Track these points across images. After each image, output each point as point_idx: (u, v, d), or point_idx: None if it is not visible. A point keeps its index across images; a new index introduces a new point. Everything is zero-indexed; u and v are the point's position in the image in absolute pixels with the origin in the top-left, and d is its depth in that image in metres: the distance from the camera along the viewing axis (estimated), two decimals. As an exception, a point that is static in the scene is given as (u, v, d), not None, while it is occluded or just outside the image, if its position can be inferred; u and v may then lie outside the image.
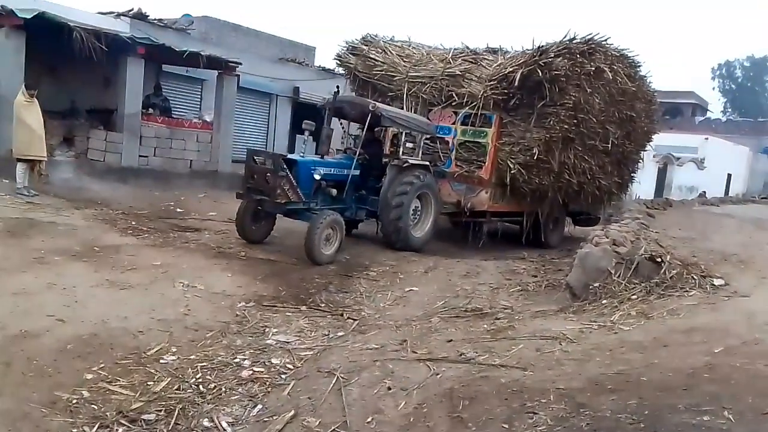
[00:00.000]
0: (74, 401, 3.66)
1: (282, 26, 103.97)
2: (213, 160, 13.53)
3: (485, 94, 9.50)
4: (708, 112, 45.46)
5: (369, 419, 3.55)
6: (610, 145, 10.43)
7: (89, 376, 3.96)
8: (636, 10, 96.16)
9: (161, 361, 4.35)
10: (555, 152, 9.49)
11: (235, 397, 3.98)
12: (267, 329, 5.23)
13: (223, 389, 4.06)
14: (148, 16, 14.13)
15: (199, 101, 15.04)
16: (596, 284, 5.36)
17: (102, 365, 4.12)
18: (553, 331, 4.60)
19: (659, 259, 5.33)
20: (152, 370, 4.18)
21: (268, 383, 4.20)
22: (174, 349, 4.56)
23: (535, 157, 9.33)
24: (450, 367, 4.14)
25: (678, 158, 27.91)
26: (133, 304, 5.27)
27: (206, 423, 3.65)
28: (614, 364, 3.77)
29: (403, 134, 9.22)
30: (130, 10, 13.97)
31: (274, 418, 3.67)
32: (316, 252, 7.46)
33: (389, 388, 3.89)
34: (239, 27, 16.74)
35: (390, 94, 10.68)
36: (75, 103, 12.82)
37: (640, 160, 12.54)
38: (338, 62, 11.72)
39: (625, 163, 11.69)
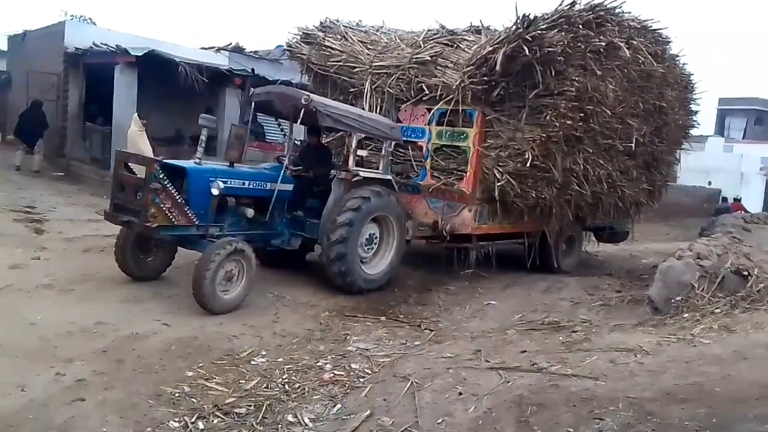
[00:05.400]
0: (176, 395, 4.08)
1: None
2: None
3: (462, 84, 7.31)
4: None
5: (439, 421, 3.71)
6: (633, 145, 8.42)
7: (189, 374, 4.39)
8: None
9: (252, 362, 4.74)
10: (556, 156, 7.39)
11: (317, 396, 4.27)
12: (348, 337, 5.54)
13: (306, 389, 4.36)
14: (244, 49, 15.20)
15: (290, 126, 15.88)
16: (678, 298, 5.24)
17: (201, 364, 4.55)
18: (630, 344, 4.56)
19: (746, 273, 5.14)
20: (244, 370, 4.57)
21: (347, 385, 4.46)
22: (264, 352, 4.95)
23: (528, 164, 7.17)
24: (522, 376, 4.23)
25: (789, 170, 25.92)
26: (228, 311, 5.76)
27: (290, 418, 3.95)
28: (689, 376, 3.73)
29: (354, 139, 7.34)
30: (229, 44, 15.10)
31: (352, 416, 3.92)
32: (207, 296, 5.48)
33: (460, 394, 4.04)
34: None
35: (352, 89, 8.56)
36: (180, 131, 13.97)
37: (676, 162, 10.46)
38: (289, 53, 9.67)
39: (655, 166, 9.61)
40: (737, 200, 19.45)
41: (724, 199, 20.42)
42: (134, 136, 10.13)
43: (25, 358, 4.30)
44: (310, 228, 6.86)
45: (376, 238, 7.14)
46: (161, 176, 5.57)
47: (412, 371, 4.56)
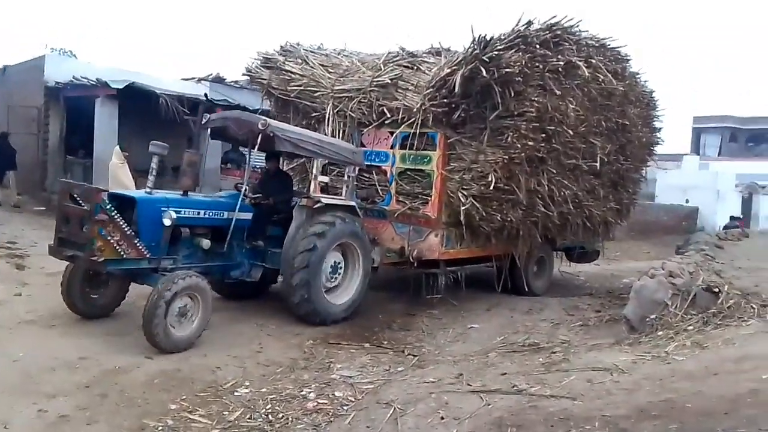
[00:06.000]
0: (160, 428, 4.10)
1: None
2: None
3: (423, 107, 7.26)
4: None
5: (421, 445, 3.78)
6: (598, 163, 8.41)
7: (173, 406, 4.41)
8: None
9: (235, 393, 4.77)
10: (519, 178, 7.32)
11: (301, 426, 4.30)
12: (332, 365, 5.58)
13: (290, 419, 4.39)
14: (225, 79, 15.37)
15: (249, 152, 16.04)
16: (653, 316, 5.38)
17: (184, 397, 4.58)
18: (606, 363, 4.66)
19: (716, 290, 5.30)
20: (227, 402, 4.60)
21: (330, 414, 4.50)
22: (247, 383, 4.98)
23: (491, 186, 7.09)
24: (502, 398, 4.31)
25: (764, 187, 26.56)
26: (211, 342, 5.78)
27: (274, 448, 4.00)
28: (663, 392, 3.84)
29: (315, 164, 7.25)
30: (209, 75, 15.24)
31: (335, 444, 3.97)
32: (158, 334, 5.20)
33: (442, 418, 4.10)
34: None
35: (314, 114, 8.46)
36: (162, 162, 14.00)
37: (642, 179, 10.52)
38: (249, 77, 9.53)
39: (622, 184, 9.65)
40: (740, 218, 20.91)
41: (732, 218, 21.21)
42: (115, 168, 10.20)
43: (7, 395, 4.31)
44: (272, 257, 6.63)
45: (340, 266, 6.92)
46: (108, 207, 5.31)
47: (395, 397, 4.62)
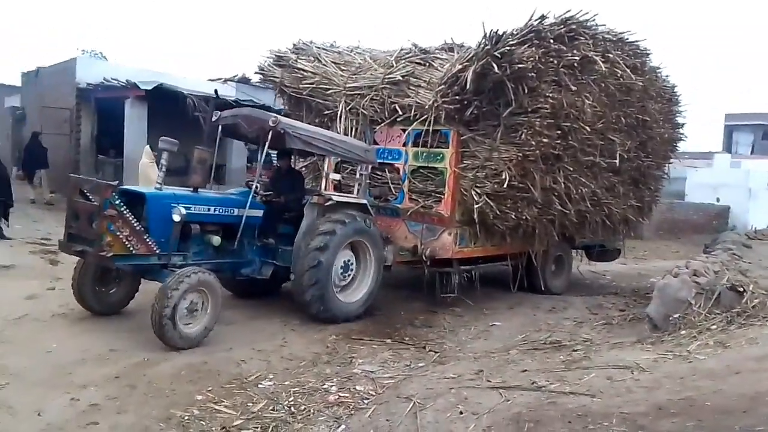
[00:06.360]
0: (186, 418, 4.22)
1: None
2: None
3: (435, 104, 7.14)
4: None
5: (440, 439, 3.83)
6: (617, 161, 8.28)
7: (199, 397, 4.54)
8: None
9: (259, 385, 4.88)
10: (534, 175, 7.21)
11: (322, 418, 4.39)
12: (354, 360, 5.65)
13: (312, 411, 4.48)
14: (250, 80, 15.59)
15: (260, 150, 16.25)
16: (676, 315, 5.34)
17: (210, 388, 4.70)
18: (627, 361, 4.65)
19: (741, 289, 5.24)
20: (251, 394, 4.71)
21: (351, 407, 4.57)
22: (271, 376, 5.09)
23: (505, 184, 6.99)
24: (521, 395, 4.33)
25: (798, 185, 25.83)
26: (236, 337, 5.92)
27: (296, 439, 4.09)
28: (683, 391, 3.83)
29: (327, 162, 7.16)
30: (235, 76, 15.48)
31: (356, 436, 4.05)
32: (167, 331, 5.23)
33: (461, 413, 4.14)
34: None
35: (326, 112, 8.41)
36: (190, 161, 14.29)
37: (665, 176, 10.23)
38: (261, 76, 9.46)
39: (643, 181, 9.43)
40: None
41: None
42: (145, 167, 10.42)
43: (41, 385, 4.49)
44: (283, 255, 6.58)
45: (352, 265, 6.87)
46: (117, 202, 5.31)
47: (415, 392, 4.67)
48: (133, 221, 5.41)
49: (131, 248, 5.41)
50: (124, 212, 5.36)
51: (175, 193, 5.99)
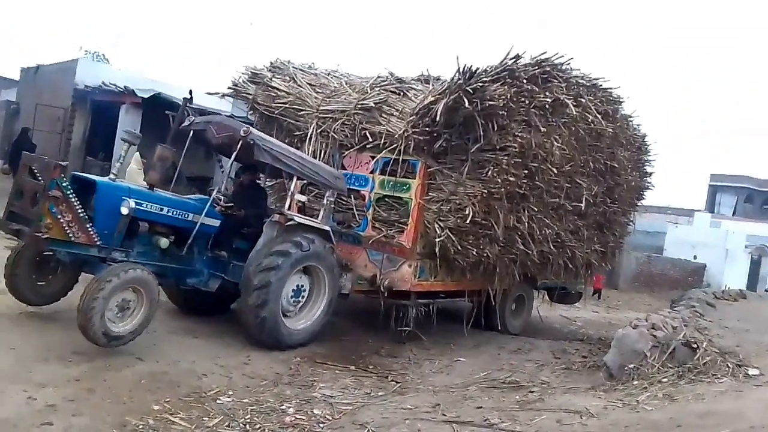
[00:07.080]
0: (140, 427, 4.26)
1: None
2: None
3: (406, 134, 7.12)
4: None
5: (387, 468, 3.91)
6: (583, 204, 8.26)
7: (156, 407, 4.58)
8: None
9: (218, 401, 4.93)
10: (498, 213, 7.16)
11: (276, 438, 4.47)
12: (315, 383, 5.72)
13: (267, 431, 4.55)
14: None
15: (231, 160, 16.33)
16: (631, 365, 5.48)
17: (168, 399, 4.75)
18: (579, 406, 4.79)
19: (695, 345, 5.41)
20: (209, 408, 4.76)
21: (306, 430, 4.64)
22: (230, 392, 5.14)
23: (468, 220, 6.91)
24: (473, 431, 4.45)
25: (775, 249, 26.40)
26: (201, 350, 5.97)
27: (247, 457, 4.15)
28: (626, 439, 3.97)
29: (293, 181, 6.87)
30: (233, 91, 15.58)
31: (306, 459, 4.11)
32: (92, 325, 4.94)
33: (412, 444, 4.25)
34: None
35: (297, 132, 8.33)
36: (182, 172, 14.40)
37: (630, 223, 10.28)
38: (234, 91, 9.44)
39: (608, 227, 9.47)
40: None
41: None
42: (133, 173, 10.47)
43: (0, 380, 4.51)
44: (233, 271, 6.33)
45: (304, 291, 6.62)
46: (64, 185, 5.08)
47: (371, 420, 4.76)
48: (77, 207, 5.17)
49: (71, 235, 5.15)
50: (70, 196, 5.13)
51: (129, 187, 5.87)
